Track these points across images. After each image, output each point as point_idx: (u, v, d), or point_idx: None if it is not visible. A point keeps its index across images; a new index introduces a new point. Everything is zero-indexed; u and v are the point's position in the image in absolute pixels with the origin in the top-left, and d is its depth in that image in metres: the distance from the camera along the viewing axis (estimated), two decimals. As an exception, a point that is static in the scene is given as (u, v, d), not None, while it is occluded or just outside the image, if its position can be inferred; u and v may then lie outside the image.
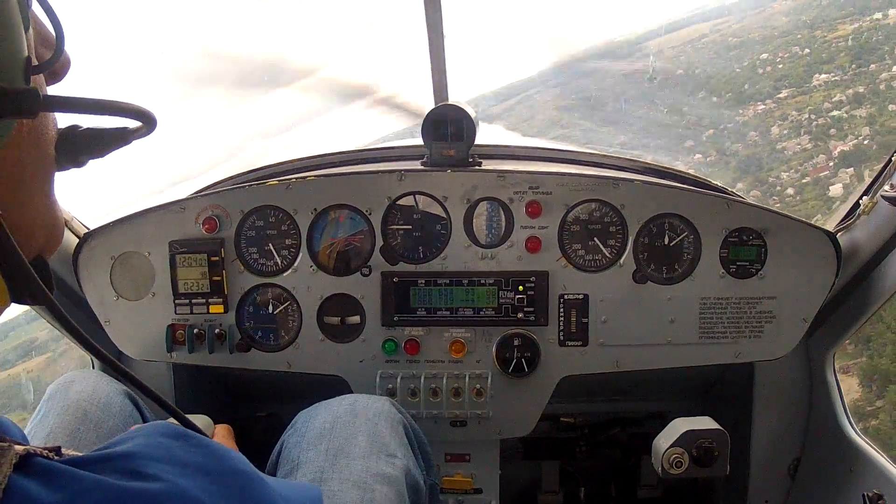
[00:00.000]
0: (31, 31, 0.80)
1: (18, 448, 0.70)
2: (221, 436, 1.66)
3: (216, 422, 1.76)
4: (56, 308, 0.85)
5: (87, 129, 0.93)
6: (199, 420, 1.73)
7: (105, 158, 0.97)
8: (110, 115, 0.87)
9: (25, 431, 1.76)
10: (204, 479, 0.78)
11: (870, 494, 2.10)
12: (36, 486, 0.69)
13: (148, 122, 0.92)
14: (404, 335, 2.34)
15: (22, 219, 0.81)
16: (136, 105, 0.89)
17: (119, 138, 0.95)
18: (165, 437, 0.83)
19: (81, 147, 0.93)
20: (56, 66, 0.86)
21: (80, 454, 0.79)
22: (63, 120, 0.91)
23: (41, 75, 0.83)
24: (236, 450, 1.57)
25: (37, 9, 0.83)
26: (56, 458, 0.74)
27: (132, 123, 0.94)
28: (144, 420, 1.92)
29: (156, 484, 0.74)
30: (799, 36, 7.07)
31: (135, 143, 0.97)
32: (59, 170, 0.91)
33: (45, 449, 0.74)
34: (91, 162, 0.96)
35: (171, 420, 1.70)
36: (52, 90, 0.87)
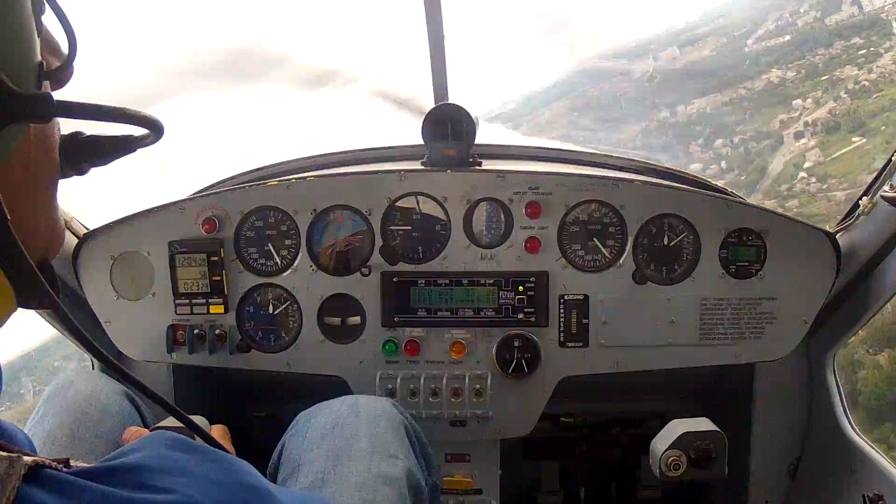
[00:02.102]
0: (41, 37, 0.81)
1: (27, 459, 0.70)
2: (218, 436, 1.65)
3: (215, 421, 1.76)
4: (61, 311, 0.85)
5: (91, 136, 0.93)
6: (196, 421, 1.72)
7: (107, 166, 0.97)
8: (119, 122, 0.87)
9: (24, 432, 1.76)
10: (216, 492, 0.78)
11: (870, 495, 2.10)
12: (44, 497, 0.68)
13: (155, 130, 0.92)
14: (405, 336, 2.34)
15: (26, 223, 0.81)
16: (145, 113, 0.89)
17: (122, 146, 0.95)
18: (176, 449, 0.83)
19: (84, 154, 0.93)
20: (63, 73, 0.87)
21: (89, 465, 0.79)
22: (65, 126, 0.91)
23: (47, 81, 0.84)
24: (232, 450, 1.57)
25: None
26: (65, 469, 0.74)
27: (138, 131, 0.94)
28: (144, 421, 1.92)
29: (166, 496, 0.74)
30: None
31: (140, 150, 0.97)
32: (61, 177, 0.91)
33: (53, 460, 0.74)
34: (92, 170, 0.96)
35: (171, 421, 1.70)
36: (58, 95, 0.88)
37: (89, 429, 1.76)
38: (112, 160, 0.96)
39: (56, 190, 0.90)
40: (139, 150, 0.97)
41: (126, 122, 0.88)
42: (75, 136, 0.93)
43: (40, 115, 0.78)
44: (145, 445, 0.84)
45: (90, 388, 1.85)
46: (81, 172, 0.95)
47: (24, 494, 0.68)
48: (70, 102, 0.81)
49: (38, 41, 0.79)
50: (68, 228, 2.33)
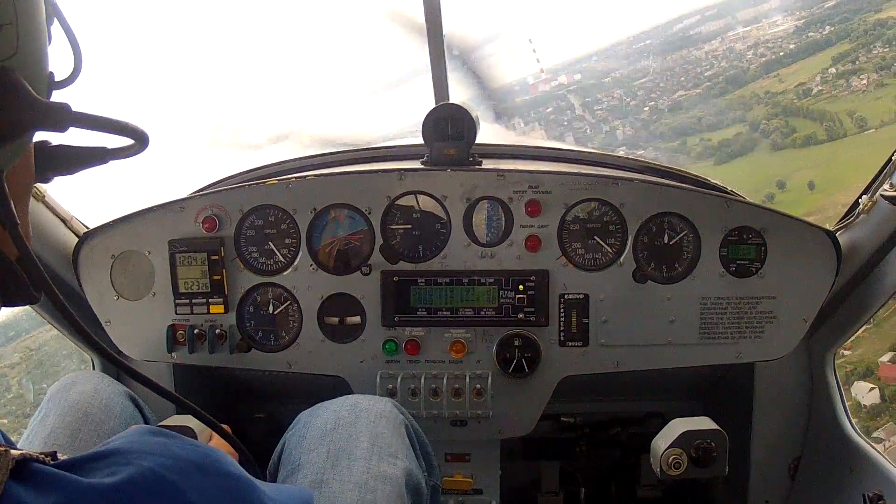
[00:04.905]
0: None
1: (14, 453, 0.71)
2: (218, 437, 1.66)
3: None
4: (59, 306, 0.85)
5: (59, 145, 0.94)
6: (195, 421, 1.72)
7: (73, 176, 0.97)
8: (124, 135, 0.88)
9: (27, 432, 1.77)
10: (195, 476, 0.79)
11: (870, 494, 2.10)
12: (29, 492, 0.69)
13: (141, 144, 0.92)
14: (405, 335, 2.33)
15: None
16: (143, 129, 0.89)
17: (95, 158, 0.95)
18: (159, 435, 0.84)
19: (51, 163, 0.93)
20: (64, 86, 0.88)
21: (73, 456, 0.79)
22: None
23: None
24: (233, 452, 1.57)
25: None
26: (51, 462, 0.74)
27: (112, 142, 0.94)
28: (146, 421, 1.92)
29: (137, 468, 0.74)
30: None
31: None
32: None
33: (40, 454, 0.74)
34: (57, 179, 0.96)
35: (174, 420, 1.70)
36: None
37: (91, 429, 1.76)
38: (80, 170, 0.96)
39: (29, 196, 0.92)
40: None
41: (128, 136, 0.89)
42: (43, 144, 0.93)
43: (58, 125, 0.78)
44: (130, 433, 0.86)
45: (92, 389, 1.85)
46: (45, 180, 0.95)
47: (9, 489, 0.68)
48: (85, 113, 0.82)
49: (48, 51, 0.80)
50: (68, 227, 2.32)
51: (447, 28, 2.33)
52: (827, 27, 7.95)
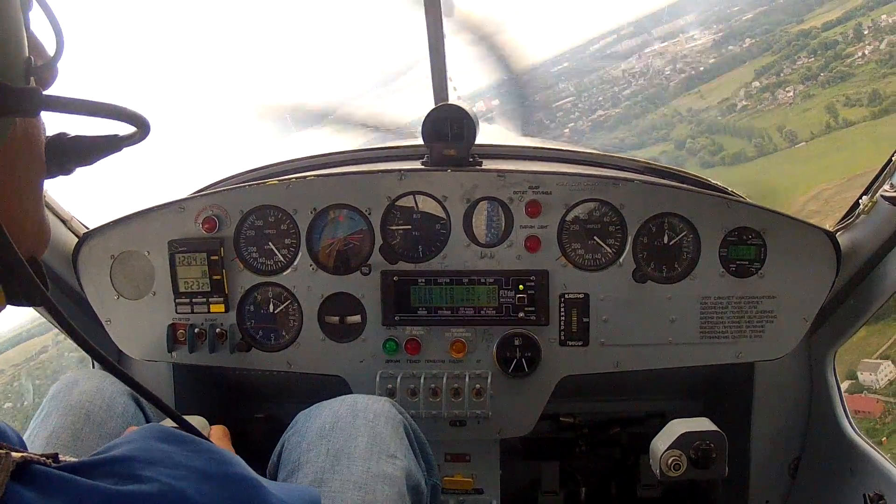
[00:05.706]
0: (29, 32, 0.81)
1: (15, 455, 0.70)
2: (217, 437, 1.65)
3: (215, 422, 1.76)
4: (54, 308, 0.85)
5: (76, 136, 0.93)
6: (195, 421, 1.71)
7: (93, 166, 0.96)
8: (107, 118, 0.87)
9: (28, 431, 1.77)
10: (203, 483, 0.78)
11: (870, 494, 2.10)
12: (32, 494, 0.69)
13: (142, 127, 0.92)
14: (405, 335, 2.33)
15: (13, 223, 0.80)
16: (133, 110, 0.88)
17: (108, 146, 0.94)
18: (163, 441, 0.83)
19: (69, 154, 0.92)
20: (48, 72, 0.86)
21: (78, 460, 0.79)
22: (51, 127, 0.91)
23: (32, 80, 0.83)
24: (232, 451, 1.57)
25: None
26: (53, 464, 0.74)
27: (123, 130, 0.93)
28: (148, 420, 1.91)
29: (152, 486, 0.74)
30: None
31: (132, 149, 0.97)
32: (47, 177, 0.91)
33: (42, 455, 0.74)
34: (78, 170, 0.96)
35: (169, 421, 1.70)
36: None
37: (93, 429, 1.76)
38: (98, 160, 0.95)
39: (42, 190, 0.90)
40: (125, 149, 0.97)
41: (114, 119, 0.88)
42: (60, 137, 0.92)
43: (27, 110, 0.77)
44: (134, 438, 0.85)
45: (94, 388, 1.84)
46: (67, 172, 0.94)
47: (12, 491, 0.68)
48: (57, 97, 0.80)
49: (25, 36, 0.79)
50: (68, 228, 2.33)
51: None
52: (747, 40, 7.80)
